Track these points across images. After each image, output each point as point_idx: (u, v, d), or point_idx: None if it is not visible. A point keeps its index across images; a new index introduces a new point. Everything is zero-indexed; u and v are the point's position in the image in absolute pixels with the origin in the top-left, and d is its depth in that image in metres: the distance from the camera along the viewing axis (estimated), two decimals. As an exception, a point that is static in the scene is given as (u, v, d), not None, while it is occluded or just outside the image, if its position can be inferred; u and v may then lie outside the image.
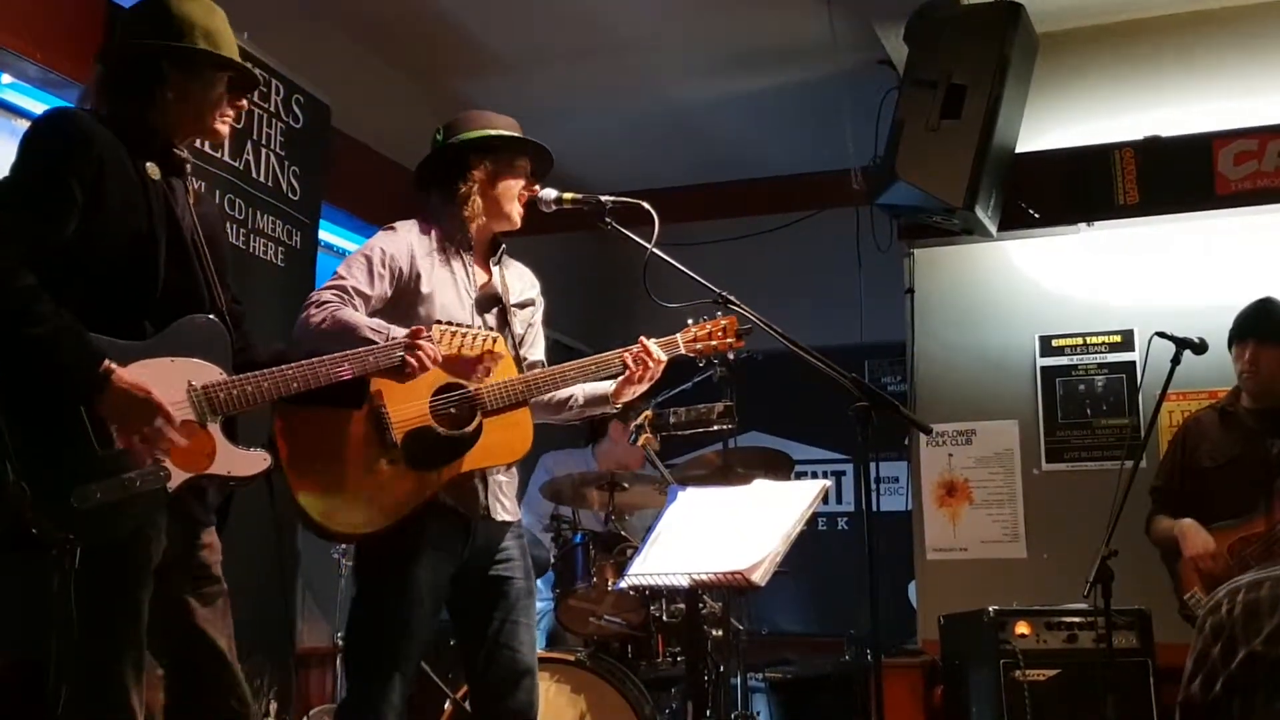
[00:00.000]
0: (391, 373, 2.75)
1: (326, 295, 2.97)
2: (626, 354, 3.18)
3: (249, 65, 2.60)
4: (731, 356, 3.34)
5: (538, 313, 3.37)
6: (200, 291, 2.49)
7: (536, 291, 3.35)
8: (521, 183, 3.20)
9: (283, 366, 2.53)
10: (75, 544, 2.19)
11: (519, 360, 3.19)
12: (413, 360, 2.73)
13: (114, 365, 2.26)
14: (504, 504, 3.15)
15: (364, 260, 3.05)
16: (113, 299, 2.36)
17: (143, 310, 2.39)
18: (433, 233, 3.17)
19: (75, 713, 2.19)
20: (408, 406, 2.91)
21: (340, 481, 2.84)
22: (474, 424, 2.97)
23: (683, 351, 3.25)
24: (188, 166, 2.57)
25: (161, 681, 2.52)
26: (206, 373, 2.42)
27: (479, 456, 2.99)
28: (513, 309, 3.23)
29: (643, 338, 3.22)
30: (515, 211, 3.21)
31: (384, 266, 3.05)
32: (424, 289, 3.08)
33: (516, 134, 3.20)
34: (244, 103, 2.62)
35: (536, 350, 3.32)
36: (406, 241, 3.11)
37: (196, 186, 2.65)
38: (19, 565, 2.25)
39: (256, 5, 4.42)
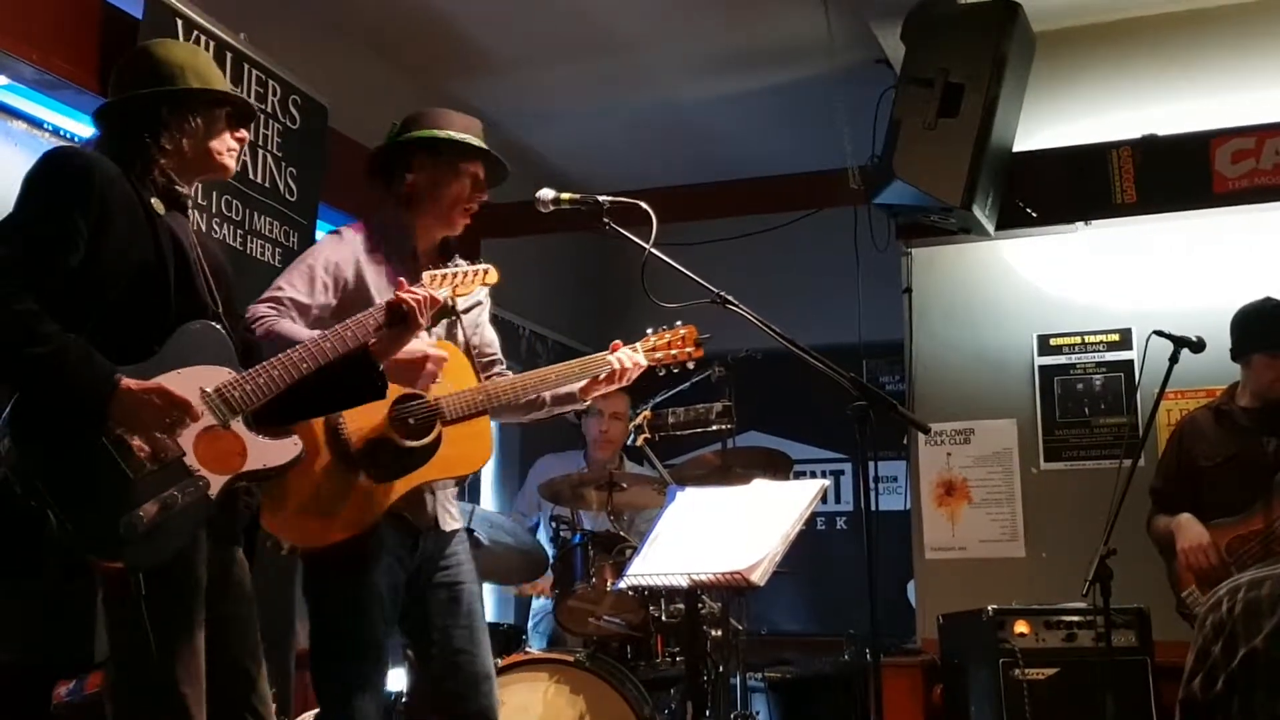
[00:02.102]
0: (394, 332, 2.66)
1: (261, 310, 2.86)
2: (593, 361, 3.14)
3: (244, 97, 2.64)
4: (691, 366, 3.27)
5: (485, 310, 3.30)
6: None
7: (485, 291, 3.20)
8: (466, 188, 3.08)
9: (288, 351, 2.52)
10: (133, 571, 2.20)
11: (476, 368, 3.11)
12: (405, 298, 2.64)
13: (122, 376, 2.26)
14: (451, 513, 3.12)
15: (305, 269, 2.96)
16: (125, 330, 2.35)
17: (155, 341, 2.39)
18: (377, 236, 3.07)
19: None
20: (366, 416, 2.85)
21: (300, 494, 2.80)
22: (433, 434, 2.91)
23: (642, 362, 3.20)
24: (189, 202, 2.59)
25: None
26: (216, 375, 2.42)
27: (438, 467, 2.93)
28: (459, 315, 3.11)
29: (617, 344, 3.19)
30: (457, 219, 3.11)
31: (326, 274, 2.95)
32: (374, 297, 2.94)
33: (467, 137, 3.09)
34: (244, 134, 2.63)
35: (492, 346, 3.26)
36: (351, 248, 3.02)
37: (197, 220, 2.66)
38: (19, 569, 2.24)
39: (254, 5, 4.43)
